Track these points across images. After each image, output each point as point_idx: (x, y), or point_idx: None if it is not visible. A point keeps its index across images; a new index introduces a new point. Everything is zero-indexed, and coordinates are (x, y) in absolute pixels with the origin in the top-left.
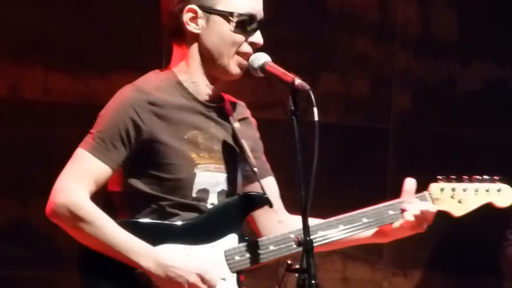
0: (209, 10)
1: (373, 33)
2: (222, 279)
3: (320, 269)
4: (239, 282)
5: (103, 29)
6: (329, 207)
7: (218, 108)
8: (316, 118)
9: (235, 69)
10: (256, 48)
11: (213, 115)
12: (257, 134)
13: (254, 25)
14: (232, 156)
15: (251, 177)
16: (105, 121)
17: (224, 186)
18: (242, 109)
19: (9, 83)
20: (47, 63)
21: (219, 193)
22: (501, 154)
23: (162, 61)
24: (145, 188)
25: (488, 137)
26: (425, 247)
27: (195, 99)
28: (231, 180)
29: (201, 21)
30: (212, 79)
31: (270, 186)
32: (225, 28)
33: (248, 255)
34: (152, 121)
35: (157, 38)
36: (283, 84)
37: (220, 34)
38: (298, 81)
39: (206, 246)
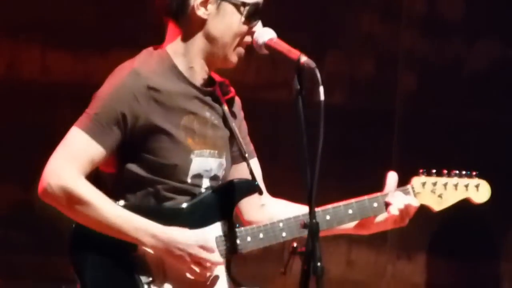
0: None
1: (379, 11)
2: None
3: (325, 252)
4: (228, 267)
5: (102, 6)
6: (333, 189)
7: (211, 92)
8: (321, 97)
9: (234, 59)
10: (252, 35)
11: (207, 99)
12: (242, 114)
13: (258, 15)
14: (224, 141)
15: (238, 158)
16: (103, 103)
17: (216, 171)
18: (228, 88)
19: (6, 63)
20: (45, 41)
21: (212, 178)
22: (508, 134)
23: (163, 38)
24: (141, 172)
25: (495, 117)
26: (430, 231)
27: (190, 84)
28: (223, 165)
29: (211, 7)
30: (209, 64)
31: (254, 168)
32: (235, 18)
33: (238, 242)
34: (150, 107)
35: (157, 14)
36: (288, 62)
37: (229, 23)
38: (304, 58)
39: (198, 232)
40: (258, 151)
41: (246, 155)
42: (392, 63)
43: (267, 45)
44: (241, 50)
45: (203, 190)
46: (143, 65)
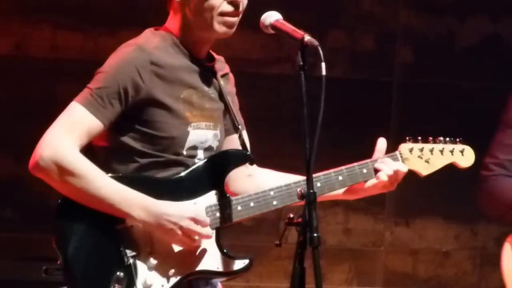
0: None
1: None
2: None
3: (322, 221)
4: (218, 238)
5: None
6: (332, 160)
7: (210, 67)
8: (323, 72)
9: (220, 29)
10: (236, 4)
11: (207, 73)
12: (234, 90)
13: None
14: (219, 113)
15: (230, 130)
16: (105, 78)
17: (211, 142)
18: (223, 65)
19: (16, 40)
20: (56, 21)
21: (206, 149)
22: (497, 103)
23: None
24: (136, 144)
25: (486, 87)
26: (427, 195)
27: (192, 58)
28: (218, 136)
29: None
30: (204, 39)
31: (245, 139)
32: None
33: (228, 211)
34: (152, 81)
35: None
36: (292, 41)
37: (197, 1)
38: (307, 37)
39: (189, 203)
40: (261, 121)
41: (239, 126)
42: (391, 39)
43: (273, 26)
44: (224, 19)
45: (196, 161)
46: (147, 42)
